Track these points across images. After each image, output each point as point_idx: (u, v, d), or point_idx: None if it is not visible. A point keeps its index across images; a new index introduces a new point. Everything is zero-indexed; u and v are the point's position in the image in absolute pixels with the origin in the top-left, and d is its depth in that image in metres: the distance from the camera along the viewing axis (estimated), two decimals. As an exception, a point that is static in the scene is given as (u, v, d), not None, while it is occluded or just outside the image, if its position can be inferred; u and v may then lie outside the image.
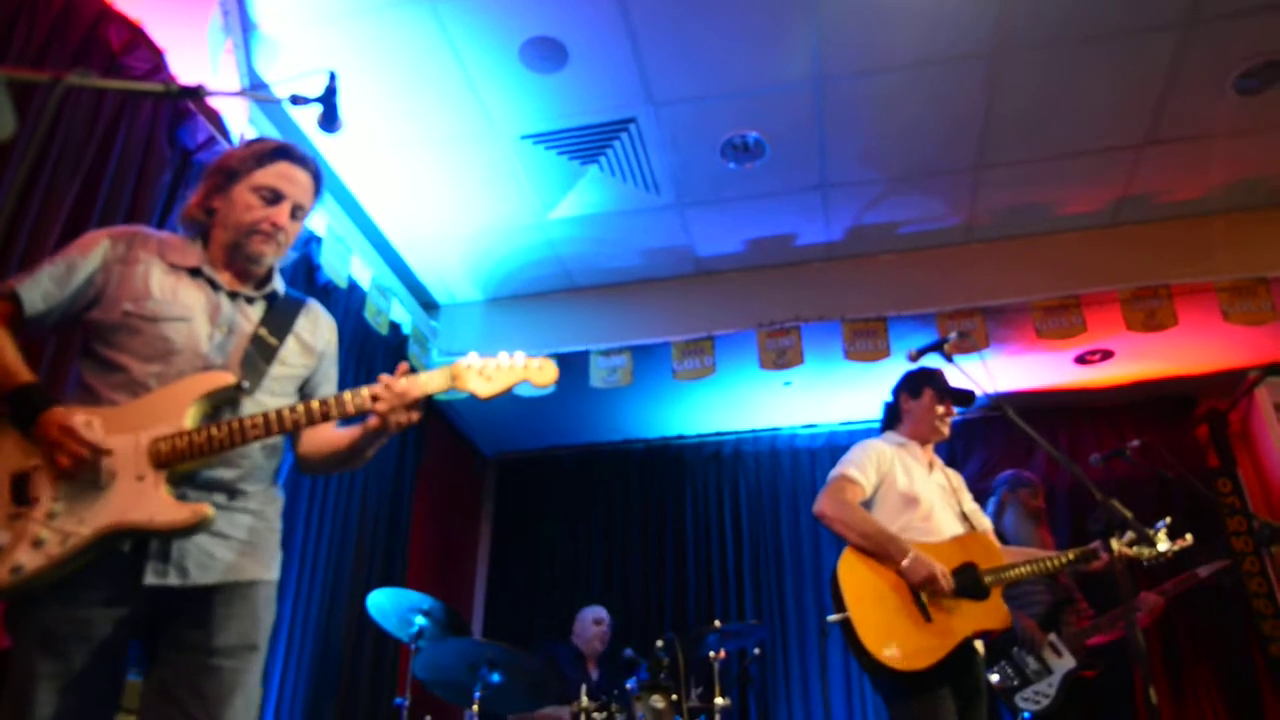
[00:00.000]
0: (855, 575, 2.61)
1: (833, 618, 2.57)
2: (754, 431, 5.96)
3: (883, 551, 2.62)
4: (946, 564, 2.60)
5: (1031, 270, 4.47)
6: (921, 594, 2.56)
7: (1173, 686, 4.89)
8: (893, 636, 2.50)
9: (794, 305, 4.63)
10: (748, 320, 4.66)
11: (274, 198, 1.78)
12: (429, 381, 1.70)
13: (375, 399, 1.66)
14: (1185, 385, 5.25)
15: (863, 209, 4.36)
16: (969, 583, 2.60)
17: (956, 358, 2.76)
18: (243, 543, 1.67)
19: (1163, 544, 2.50)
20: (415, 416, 1.69)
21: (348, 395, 1.67)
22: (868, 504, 2.81)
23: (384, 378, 1.67)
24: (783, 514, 5.72)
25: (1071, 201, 4.31)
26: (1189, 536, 2.68)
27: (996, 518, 3.85)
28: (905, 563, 2.57)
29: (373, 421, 1.71)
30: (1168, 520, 2.64)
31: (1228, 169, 4.10)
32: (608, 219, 4.43)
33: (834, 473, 2.85)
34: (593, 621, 4.61)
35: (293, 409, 1.64)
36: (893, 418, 3.06)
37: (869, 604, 2.56)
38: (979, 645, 2.68)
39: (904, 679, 2.47)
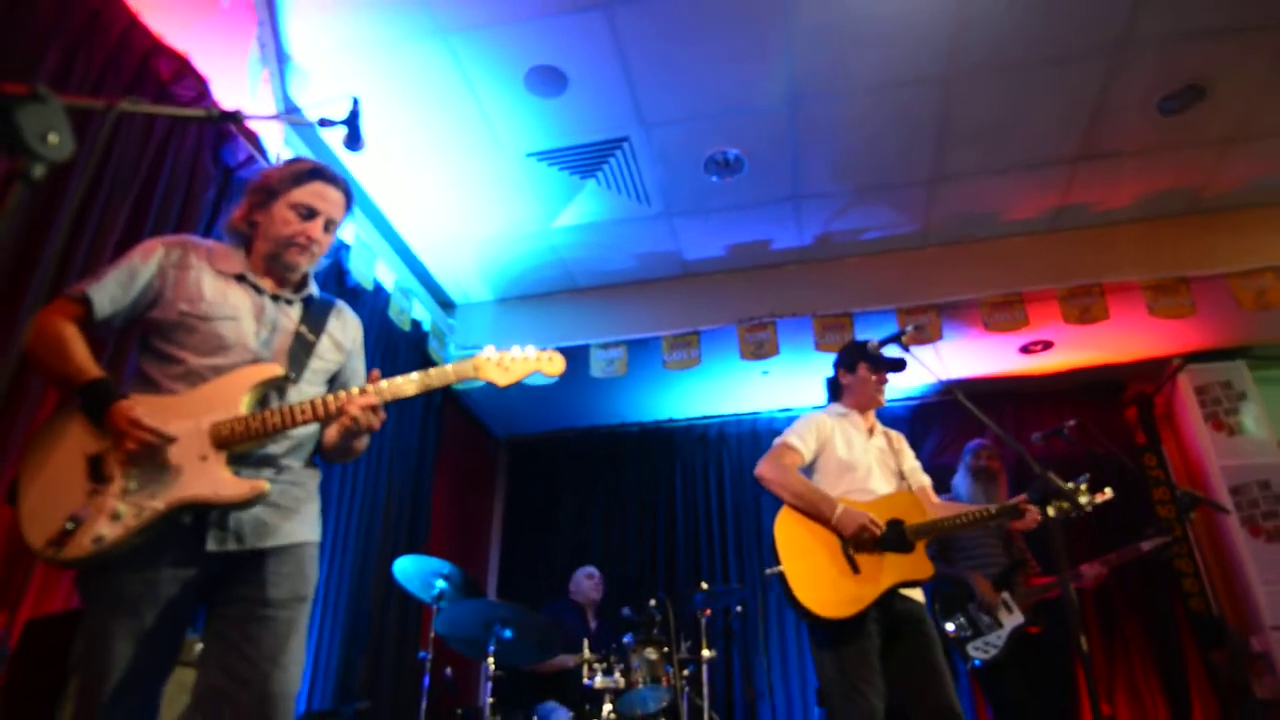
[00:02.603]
0: (790, 532, 2.57)
1: (770, 570, 2.53)
2: (736, 415, 6.01)
3: (815, 510, 2.57)
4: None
5: (980, 270, 4.51)
6: (849, 548, 2.52)
7: (1106, 640, 4.96)
8: (822, 587, 2.45)
9: (770, 303, 4.68)
10: (729, 316, 4.70)
11: (309, 214, 1.79)
12: (391, 389, 1.70)
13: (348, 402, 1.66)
14: (1116, 372, 5.31)
15: (831, 217, 4.39)
16: (894, 537, 2.54)
17: (913, 348, 2.77)
18: (289, 510, 1.70)
19: (1083, 498, 2.48)
20: (379, 419, 1.68)
21: (371, 385, 1.70)
22: (809, 470, 2.75)
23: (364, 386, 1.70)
24: (762, 488, 5.75)
25: (1016, 210, 4.36)
26: (1108, 490, 2.67)
27: (960, 485, 3.93)
28: (836, 516, 2.52)
29: (345, 420, 1.70)
30: (1087, 475, 2.61)
31: (1152, 181, 4.15)
32: (604, 227, 4.45)
33: (777, 440, 2.80)
34: (585, 577, 4.74)
35: (335, 395, 1.67)
36: (835, 391, 3.01)
37: (801, 558, 2.51)
38: (918, 594, 2.62)
39: (832, 626, 2.43)
